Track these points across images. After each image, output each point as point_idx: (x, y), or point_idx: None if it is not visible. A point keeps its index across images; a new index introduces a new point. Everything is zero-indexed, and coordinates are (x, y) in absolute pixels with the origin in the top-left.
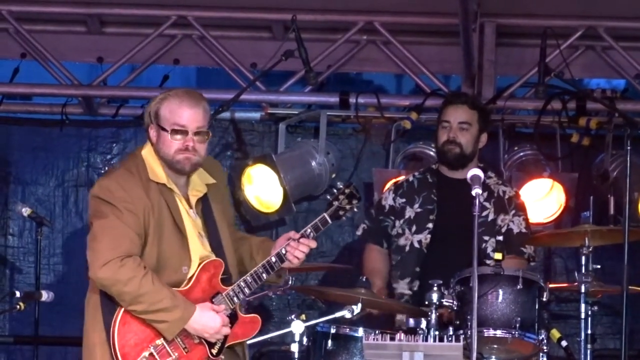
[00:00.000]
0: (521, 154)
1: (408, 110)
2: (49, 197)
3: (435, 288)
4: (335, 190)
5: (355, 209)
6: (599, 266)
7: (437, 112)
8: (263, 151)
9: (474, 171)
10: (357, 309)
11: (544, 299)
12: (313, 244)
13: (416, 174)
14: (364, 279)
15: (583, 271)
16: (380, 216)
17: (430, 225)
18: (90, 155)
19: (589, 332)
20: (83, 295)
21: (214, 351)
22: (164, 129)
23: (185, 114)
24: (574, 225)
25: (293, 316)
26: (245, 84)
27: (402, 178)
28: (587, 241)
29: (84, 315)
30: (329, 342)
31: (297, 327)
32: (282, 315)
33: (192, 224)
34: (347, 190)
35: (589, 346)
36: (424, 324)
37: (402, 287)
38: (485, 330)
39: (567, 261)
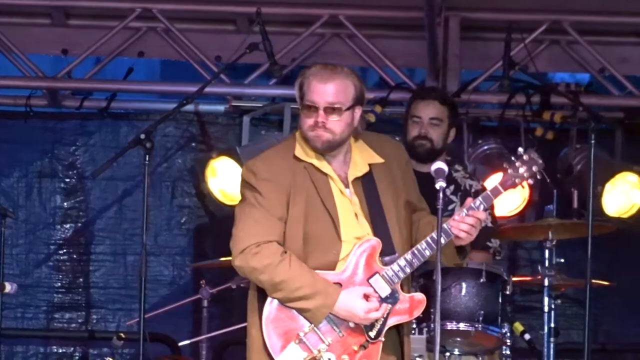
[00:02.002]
0: (485, 147)
1: (372, 103)
2: (12, 188)
3: None
4: (512, 158)
5: (538, 176)
6: (562, 259)
7: (401, 106)
8: (227, 144)
9: (438, 164)
10: None
11: (508, 292)
12: (481, 216)
13: None
14: None
15: (547, 264)
16: None
17: None
18: (55, 147)
19: (552, 325)
20: (46, 287)
21: (372, 334)
22: (301, 106)
23: (315, 89)
24: (538, 219)
25: None
26: (210, 77)
27: None
28: (550, 235)
29: (46, 307)
30: None
31: None
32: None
33: (346, 204)
34: (525, 157)
35: (552, 339)
36: None
37: None
38: (448, 324)
39: (531, 254)
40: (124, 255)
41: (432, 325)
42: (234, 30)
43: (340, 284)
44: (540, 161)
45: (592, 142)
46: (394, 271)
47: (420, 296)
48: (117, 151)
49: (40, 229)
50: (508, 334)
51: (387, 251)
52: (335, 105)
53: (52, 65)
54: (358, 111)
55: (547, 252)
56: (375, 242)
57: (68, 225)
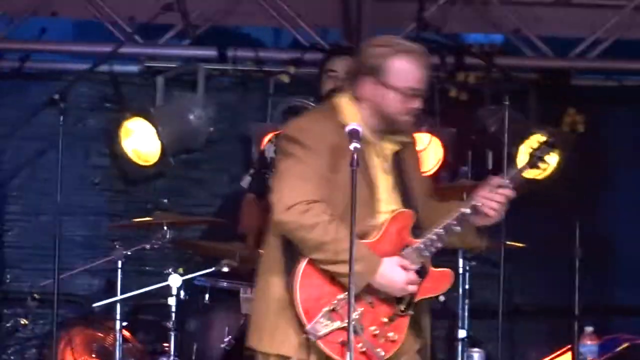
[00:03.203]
0: None
1: (286, 64)
2: None
3: None
4: (538, 142)
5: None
6: None
7: (315, 67)
8: (141, 104)
9: (352, 125)
10: (234, 262)
11: None
12: (510, 194)
13: None
14: (240, 233)
15: None
16: (262, 169)
17: None
18: None
19: (467, 286)
20: None
21: (402, 307)
22: (390, 87)
23: (420, 76)
24: (452, 180)
25: (170, 270)
26: (124, 38)
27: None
28: (465, 196)
29: None
30: (206, 295)
31: (175, 280)
32: (159, 268)
33: (385, 177)
34: (548, 140)
35: (466, 300)
36: None
37: None
38: None
39: None
40: (37, 215)
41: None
42: None
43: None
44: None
45: (506, 103)
46: (425, 245)
47: (447, 271)
48: (30, 111)
49: None
50: None
51: (415, 226)
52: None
53: None
54: None
55: None
56: (409, 214)
57: None
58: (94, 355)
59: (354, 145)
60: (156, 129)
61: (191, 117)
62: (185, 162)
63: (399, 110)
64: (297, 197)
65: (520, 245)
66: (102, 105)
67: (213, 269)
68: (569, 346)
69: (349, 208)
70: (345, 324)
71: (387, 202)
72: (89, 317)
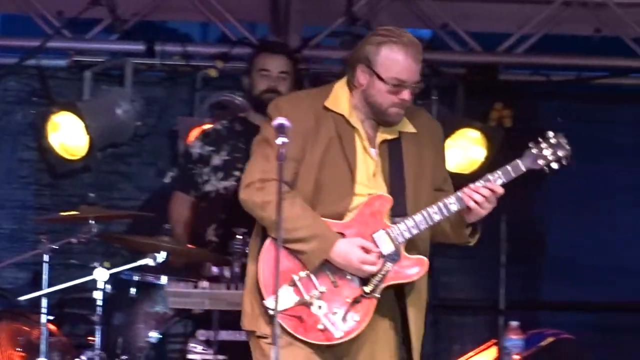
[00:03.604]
0: None
1: (214, 58)
2: None
3: (239, 236)
4: (540, 138)
5: (564, 162)
6: None
7: (242, 61)
8: (68, 99)
9: (280, 120)
10: (160, 256)
11: None
12: (499, 190)
13: (224, 121)
14: (167, 227)
15: None
16: (188, 164)
17: (237, 173)
18: None
19: None
20: None
21: (367, 289)
22: (380, 78)
23: (409, 68)
24: None
25: (96, 263)
26: (52, 32)
27: (210, 126)
28: None
29: None
30: (132, 289)
31: (101, 274)
32: (86, 262)
33: (367, 161)
34: (553, 140)
35: None
36: (227, 273)
37: (210, 234)
38: None
39: None
40: None
41: None
42: None
43: (343, 234)
44: (568, 147)
45: (434, 97)
46: (400, 230)
47: (421, 259)
48: None
49: None
50: None
51: (399, 213)
52: (418, 82)
53: None
54: None
55: None
56: (386, 198)
57: None
58: (19, 349)
59: (280, 139)
60: (83, 123)
61: (118, 111)
62: (112, 156)
63: (385, 101)
64: (255, 175)
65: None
66: (30, 100)
67: (139, 262)
68: (494, 341)
69: (322, 188)
70: (305, 300)
71: (367, 186)
72: (14, 311)
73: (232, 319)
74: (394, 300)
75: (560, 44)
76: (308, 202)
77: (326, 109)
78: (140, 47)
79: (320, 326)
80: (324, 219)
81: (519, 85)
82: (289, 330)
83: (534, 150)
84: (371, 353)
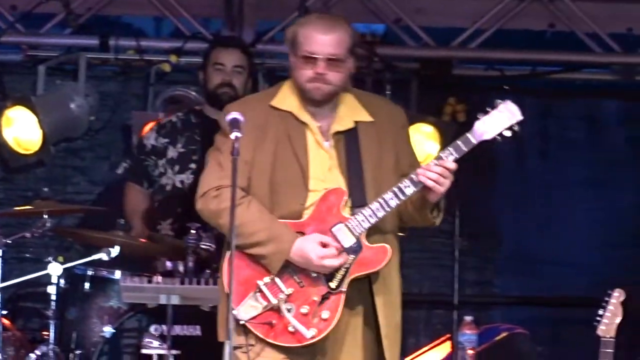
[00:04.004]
0: None
1: (168, 53)
2: None
3: (193, 231)
4: (488, 109)
5: (515, 129)
6: None
7: (196, 55)
8: (22, 93)
9: (233, 114)
10: (114, 251)
11: None
12: (451, 166)
13: (179, 114)
14: (121, 222)
15: None
16: (141, 155)
17: (193, 165)
18: None
19: None
20: None
21: (333, 285)
22: (296, 57)
23: (316, 40)
24: None
25: (50, 258)
26: (5, 26)
27: (165, 119)
28: None
29: None
30: (87, 284)
31: (55, 269)
32: (40, 256)
33: (321, 155)
34: (501, 108)
35: None
36: (181, 267)
37: (165, 228)
38: None
39: None
40: None
41: None
42: None
43: (303, 233)
44: (519, 113)
45: (388, 92)
46: (358, 221)
47: (383, 247)
48: None
49: None
50: None
51: (359, 203)
52: (336, 57)
53: None
54: (351, 62)
55: None
56: (340, 191)
57: None
58: None
59: (234, 134)
60: (37, 117)
61: (72, 105)
62: (66, 151)
63: (301, 77)
64: (210, 183)
65: (401, 234)
66: None
67: (93, 257)
68: (448, 335)
69: (276, 188)
70: (273, 305)
71: (322, 180)
72: None
73: (186, 314)
74: (363, 292)
75: (514, 38)
76: (265, 205)
77: (274, 108)
78: (94, 41)
79: (290, 329)
80: (282, 220)
81: (473, 80)
82: (261, 336)
83: (483, 121)
84: (345, 348)
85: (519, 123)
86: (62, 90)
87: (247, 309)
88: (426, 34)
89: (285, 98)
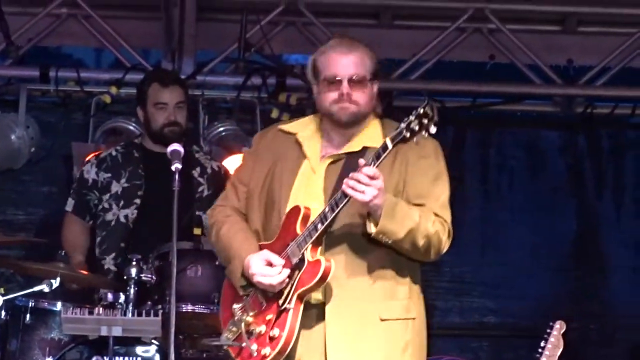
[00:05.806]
0: (221, 129)
1: (108, 84)
2: None
3: (134, 263)
4: (406, 117)
5: (432, 130)
6: None
7: (137, 87)
8: None
9: (174, 146)
10: (55, 283)
11: None
12: (370, 172)
13: (118, 147)
14: (62, 253)
15: None
16: (83, 190)
17: (137, 200)
18: None
19: None
20: None
21: (280, 302)
22: (319, 83)
23: (337, 61)
24: None
25: None
26: None
27: (105, 152)
28: None
29: None
30: (28, 315)
31: None
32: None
33: (311, 178)
34: (420, 110)
35: None
36: (122, 299)
37: (109, 262)
38: (183, 306)
39: None
40: None
41: (167, 307)
42: None
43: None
44: (434, 112)
45: None
46: (303, 236)
47: (319, 259)
48: None
49: None
50: None
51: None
52: (359, 77)
53: None
54: (376, 85)
55: None
56: (297, 208)
57: None
58: None
59: (175, 165)
60: None
61: (13, 137)
62: (6, 181)
63: (326, 101)
64: (216, 202)
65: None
66: None
67: (34, 289)
68: None
69: (266, 211)
70: (240, 328)
71: (302, 201)
72: None
73: (127, 345)
74: (317, 310)
75: (454, 70)
76: (259, 227)
77: (282, 131)
78: (34, 72)
79: (253, 348)
80: (264, 242)
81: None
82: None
83: (402, 125)
84: None
85: (434, 121)
86: (2, 121)
87: (227, 334)
88: None
89: (300, 123)
